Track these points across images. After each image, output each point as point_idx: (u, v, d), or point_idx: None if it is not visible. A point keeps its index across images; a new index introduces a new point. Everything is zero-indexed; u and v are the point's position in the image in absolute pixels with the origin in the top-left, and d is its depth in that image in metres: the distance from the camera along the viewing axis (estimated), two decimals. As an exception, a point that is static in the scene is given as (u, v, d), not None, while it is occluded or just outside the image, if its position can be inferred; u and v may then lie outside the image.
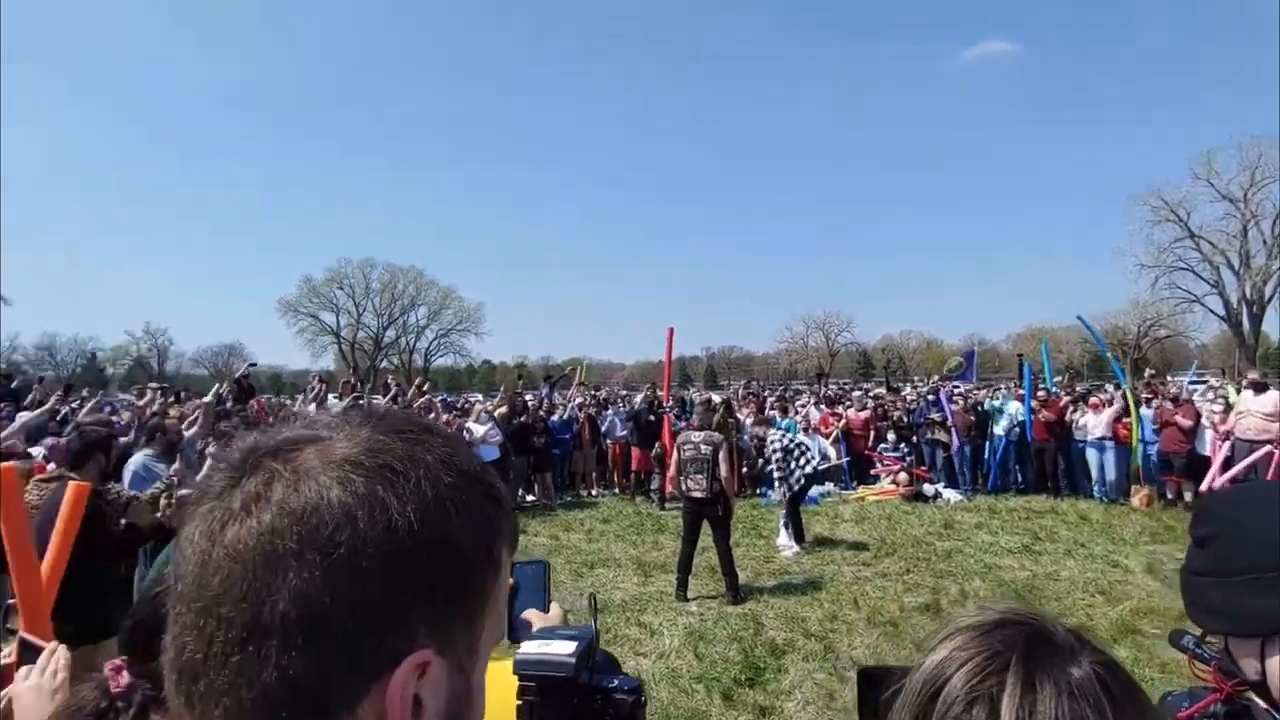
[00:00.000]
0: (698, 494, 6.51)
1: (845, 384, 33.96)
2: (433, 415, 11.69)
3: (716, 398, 16.87)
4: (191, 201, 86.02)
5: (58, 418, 7.38)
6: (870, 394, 16.47)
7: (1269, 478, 8.91)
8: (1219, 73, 70.08)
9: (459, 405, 15.97)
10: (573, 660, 0.73)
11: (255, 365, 14.59)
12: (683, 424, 12.17)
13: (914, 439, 12.76)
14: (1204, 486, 9.44)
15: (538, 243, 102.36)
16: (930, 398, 13.28)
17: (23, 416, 6.97)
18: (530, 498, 12.08)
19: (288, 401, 22.58)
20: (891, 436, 12.66)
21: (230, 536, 0.43)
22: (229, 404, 9.85)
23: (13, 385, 11.04)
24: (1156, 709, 0.92)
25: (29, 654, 1.43)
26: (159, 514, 4.54)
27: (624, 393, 20.01)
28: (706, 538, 6.63)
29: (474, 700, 0.50)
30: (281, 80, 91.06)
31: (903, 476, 11.61)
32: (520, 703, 0.74)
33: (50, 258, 76.61)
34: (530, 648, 0.76)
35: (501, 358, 77.60)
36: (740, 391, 19.96)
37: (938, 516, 9.82)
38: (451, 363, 67.66)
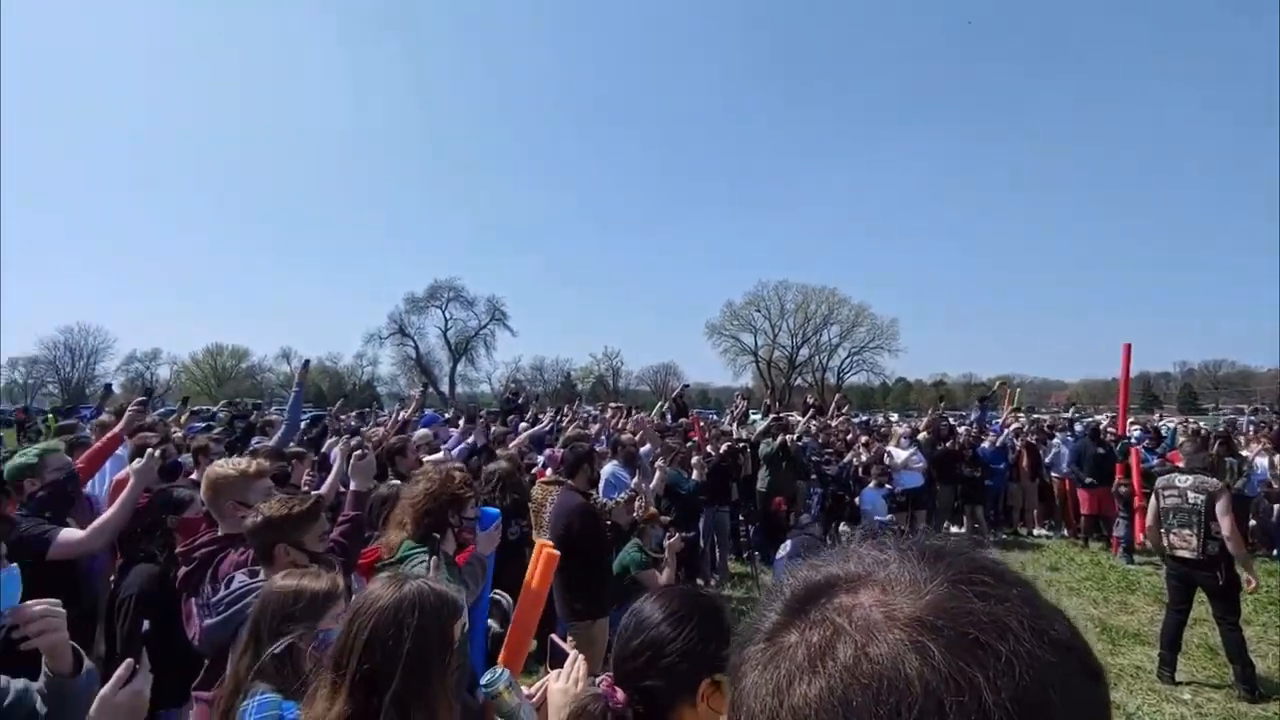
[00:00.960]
0: (1186, 554, 5.23)
1: None
2: (850, 436, 11.63)
3: (1204, 425, 13.58)
4: (639, 237, 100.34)
5: (550, 430, 9.22)
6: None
7: None
8: None
9: (874, 426, 15.63)
10: None
11: (688, 386, 16.33)
12: (1154, 460, 10.05)
13: None
14: None
15: (961, 245, 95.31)
16: None
17: (522, 428, 8.95)
18: (956, 530, 11.17)
19: (714, 415, 24.86)
20: None
21: (798, 697, 0.41)
22: (669, 419, 11.20)
23: (519, 401, 14.17)
24: None
25: (556, 655, 1.77)
26: (629, 515, 5.39)
27: (1066, 416, 17.30)
28: (1200, 606, 5.30)
29: None
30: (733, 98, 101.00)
31: None
32: None
33: (547, 297, 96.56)
34: None
35: (918, 375, 74.18)
36: (1246, 423, 15.71)
37: None
38: (865, 380, 66.90)
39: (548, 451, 7.09)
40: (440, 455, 6.17)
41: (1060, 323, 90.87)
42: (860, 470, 9.90)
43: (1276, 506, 9.38)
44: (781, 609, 0.46)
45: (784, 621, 0.45)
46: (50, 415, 16.06)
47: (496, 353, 63.53)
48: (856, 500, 9.27)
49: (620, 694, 1.44)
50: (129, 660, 1.60)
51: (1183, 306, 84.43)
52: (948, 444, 10.89)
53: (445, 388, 59.37)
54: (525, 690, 1.70)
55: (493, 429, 7.85)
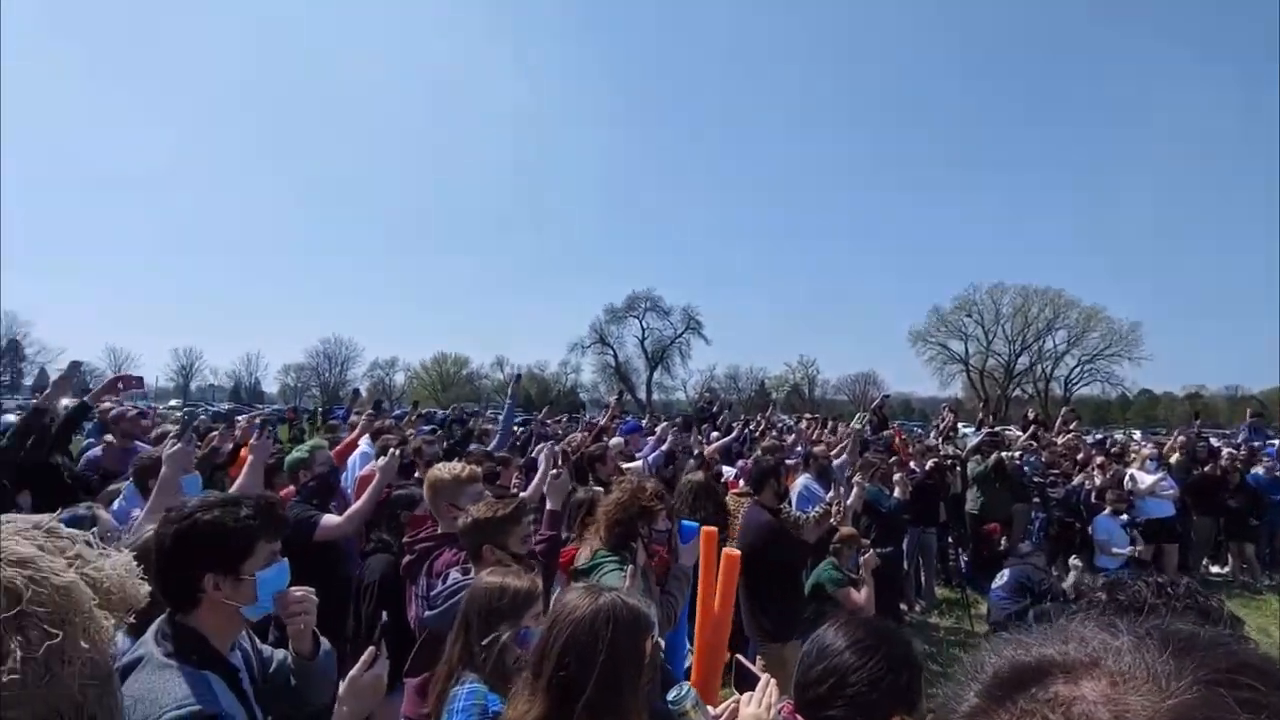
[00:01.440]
0: None
1: None
2: (1081, 456, 10.37)
3: None
4: (823, 241, 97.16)
5: (741, 440, 9.17)
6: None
7: None
8: None
9: (1110, 444, 13.81)
10: None
11: (889, 396, 15.48)
12: None
13: None
14: None
15: (1219, 237, 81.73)
16: None
17: (714, 436, 8.98)
18: (1217, 570, 9.56)
19: (918, 429, 23.29)
20: None
21: None
22: (868, 433, 10.69)
23: (713, 409, 14.30)
24: None
25: (744, 677, 1.73)
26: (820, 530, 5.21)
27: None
28: None
29: None
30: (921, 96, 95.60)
31: None
32: None
33: (741, 303, 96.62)
34: None
35: (1167, 386, 64.65)
36: None
37: None
38: (1099, 391, 59.35)
39: (740, 463, 7.07)
40: (639, 464, 6.37)
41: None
42: (1093, 495, 8.79)
43: None
44: (983, 693, 0.40)
45: (985, 707, 0.39)
46: (313, 413, 18.75)
47: (691, 361, 64.63)
48: (1089, 529, 8.24)
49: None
50: (371, 647, 1.81)
51: None
52: (1207, 468, 9.38)
53: (642, 395, 61.38)
54: (711, 711, 1.69)
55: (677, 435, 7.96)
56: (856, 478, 6.95)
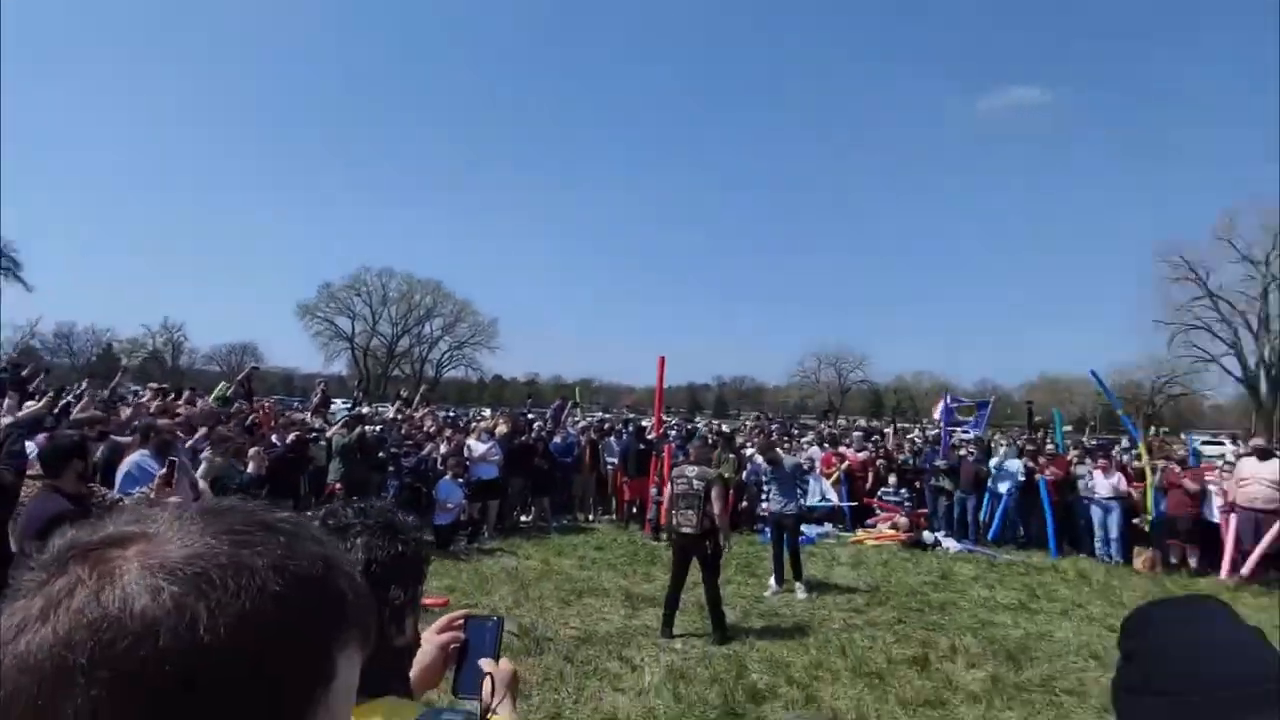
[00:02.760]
0: (687, 530, 6.45)
1: (854, 419, 33.55)
2: (434, 429, 11.72)
3: (726, 428, 16.78)
4: (215, 199, 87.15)
5: (54, 411, 7.44)
6: (870, 437, 16.29)
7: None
8: (1245, 134, 69.88)
9: (460, 421, 15.96)
10: None
11: (258, 368, 14.64)
12: (682, 456, 12.14)
13: (917, 484, 12.65)
14: (1225, 565, 9.28)
15: (561, 259, 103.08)
16: (935, 443, 13.18)
17: (26, 406, 7.07)
18: (525, 519, 12.03)
19: (296, 404, 22.73)
20: (893, 480, 12.55)
21: (23, 645, 0.39)
22: (234, 405, 9.94)
23: (23, 373, 11.15)
24: None
25: None
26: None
27: (629, 417, 19.94)
28: (697, 574, 6.57)
29: None
30: (312, 84, 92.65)
31: (902, 521, 11.48)
32: None
33: (75, 246, 77.66)
34: None
35: (513, 373, 77.77)
36: (748, 424, 19.89)
37: (935, 566, 9.68)
38: (463, 375, 67.95)
39: (40, 437, 5.67)
40: None
41: (629, 337, 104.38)
42: (439, 462, 10.04)
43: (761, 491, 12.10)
44: (40, 566, 0.44)
45: (40, 580, 0.43)
46: None
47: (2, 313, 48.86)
48: (434, 492, 9.37)
49: None
50: None
51: (718, 327, 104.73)
52: (524, 438, 11.69)
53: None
54: None
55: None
56: (206, 453, 6.41)
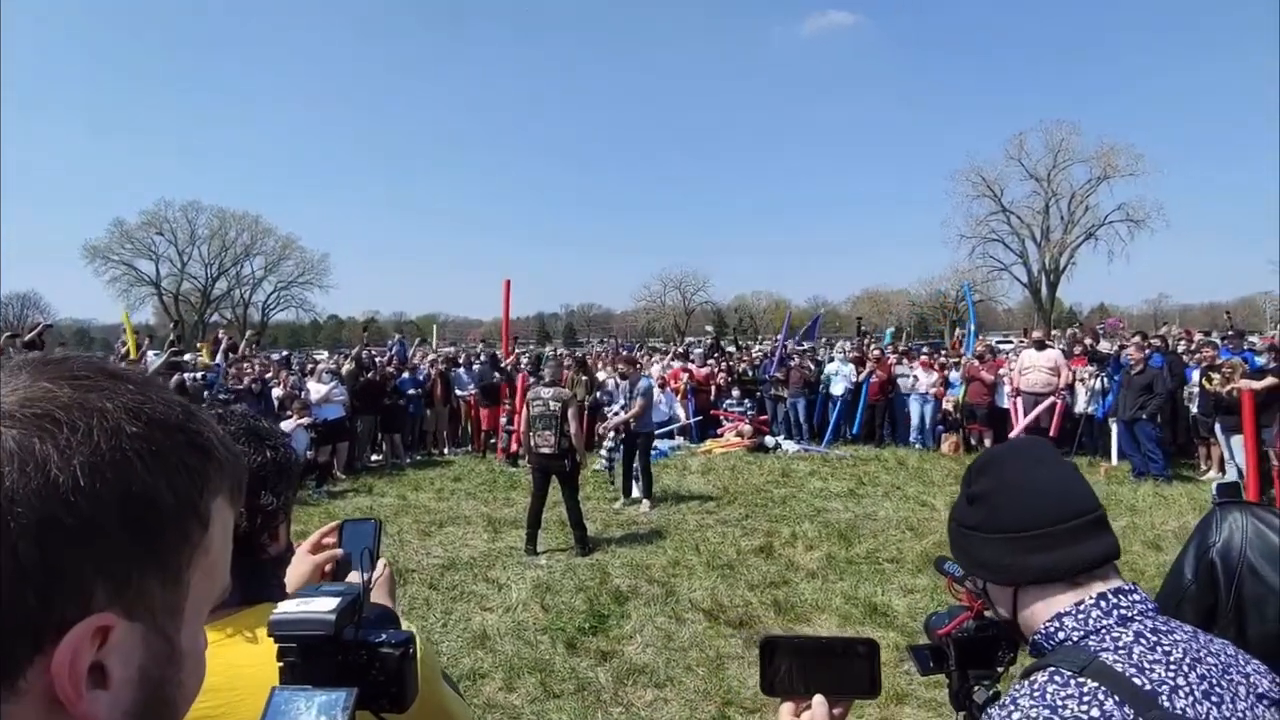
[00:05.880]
0: (546, 450, 6.56)
1: (703, 337, 34.84)
2: (270, 374, 10.93)
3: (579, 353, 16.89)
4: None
5: None
6: (713, 351, 17.21)
7: (1053, 427, 10.29)
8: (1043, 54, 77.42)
9: (299, 363, 14.96)
10: (333, 617, 0.71)
11: (51, 325, 12.89)
12: (535, 380, 12.17)
13: (758, 394, 13.54)
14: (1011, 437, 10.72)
15: (398, 193, 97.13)
16: (773, 355, 14.09)
17: None
18: (377, 457, 11.67)
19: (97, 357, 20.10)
20: (736, 392, 13.35)
21: None
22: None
23: None
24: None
25: None
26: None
27: (479, 348, 19.58)
28: (557, 493, 6.73)
29: (183, 663, 0.46)
30: None
31: (746, 429, 12.29)
32: (282, 665, 0.72)
33: None
34: (288, 606, 0.73)
35: (350, 312, 73.61)
36: (597, 348, 20.14)
37: (777, 466, 10.49)
38: (294, 317, 63.15)
39: None
40: None
41: (475, 265, 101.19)
42: (279, 405, 9.44)
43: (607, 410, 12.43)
44: None
45: None
46: None
47: None
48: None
49: None
50: None
51: (564, 256, 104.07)
52: (369, 375, 11.19)
53: None
54: None
55: None
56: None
